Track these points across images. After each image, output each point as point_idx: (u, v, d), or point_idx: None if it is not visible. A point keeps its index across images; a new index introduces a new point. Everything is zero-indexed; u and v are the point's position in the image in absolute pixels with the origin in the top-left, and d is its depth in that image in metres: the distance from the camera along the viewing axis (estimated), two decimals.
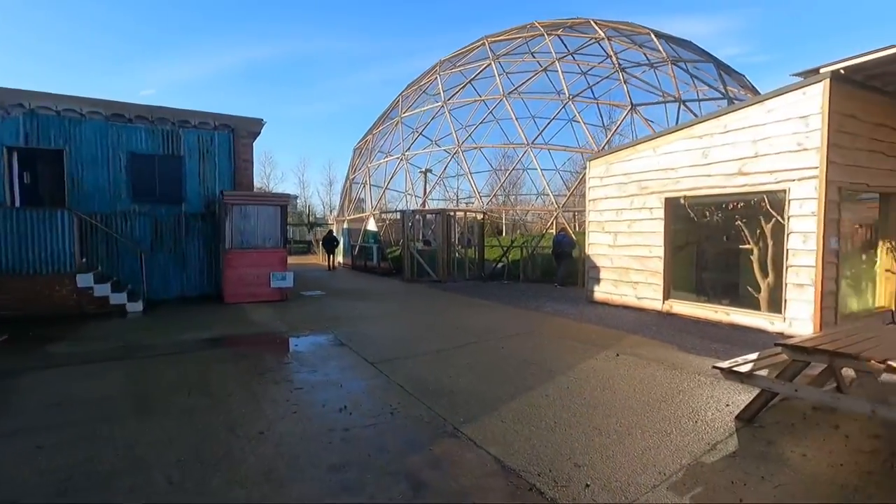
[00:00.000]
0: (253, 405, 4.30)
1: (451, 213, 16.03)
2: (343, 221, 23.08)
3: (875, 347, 3.61)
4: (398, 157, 20.38)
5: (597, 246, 10.25)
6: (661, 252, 8.85)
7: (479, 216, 16.38)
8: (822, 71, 6.51)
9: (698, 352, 6.32)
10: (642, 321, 8.35)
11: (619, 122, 16.09)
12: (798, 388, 3.66)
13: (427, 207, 19.98)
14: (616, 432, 3.76)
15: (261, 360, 5.90)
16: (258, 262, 10.36)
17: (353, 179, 24.12)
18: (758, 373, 3.89)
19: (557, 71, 18.34)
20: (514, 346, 6.49)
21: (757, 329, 7.43)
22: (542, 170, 17.13)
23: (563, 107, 18.01)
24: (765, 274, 8.22)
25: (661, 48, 18.61)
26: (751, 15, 71.08)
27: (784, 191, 7.00)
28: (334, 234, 21.87)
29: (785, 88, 6.94)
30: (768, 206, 7.50)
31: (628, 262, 9.49)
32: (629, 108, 16.09)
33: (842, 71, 6.38)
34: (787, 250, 6.99)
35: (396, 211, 21.58)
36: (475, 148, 22.33)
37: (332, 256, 20.09)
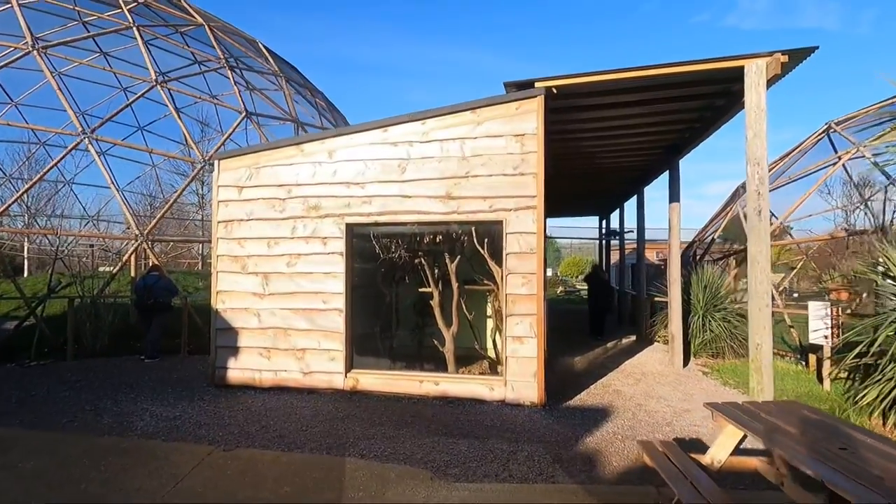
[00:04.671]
0: None
1: None
2: None
3: None
4: None
5: (233, 295, 6.40)
6: (341, 302, 6.06)
7: None
8: (537, 85, 5.59)
9: (463, 467, 3.86)
10: (330, 415, 5.23)
11: (233, 127, 12.41)
12: None
13: None
14: None
15: None
16: None
17: None
18: None
19: (138, 46, 12.89)
20: None
21: (475, 399, 5.74)
22: (117, 186, 11.13)
23: (140, 95, 12.56)
24: (448, 323, 6.83)
25: (271, 61, 16.34)
26: None
27: (500, 222, 5.69)
28: None
29: (497, 98, 5.72)
30: (475, 240, 6.08)
31: (290, 318, 6.19)
32: (244, 114, 12.76)
33: (554, 90, 5.64)
34: (507, 296, 5.66)
35: None
36: None
37: None
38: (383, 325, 7.59)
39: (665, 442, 3.33)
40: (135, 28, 12.53)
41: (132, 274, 10.82)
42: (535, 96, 5.58)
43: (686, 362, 8.59)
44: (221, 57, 13.90)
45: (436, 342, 6.81)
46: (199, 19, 14.84)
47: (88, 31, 13.44)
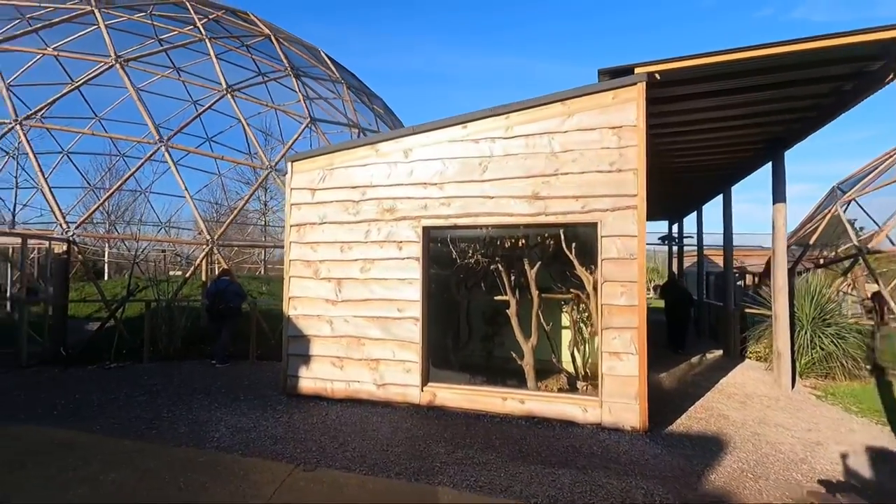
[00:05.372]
0: None
1: None
2: None
3: None
4: None
5: (305, 301, 6.19)
6: (417, 310, 5.68)
7: (60, 247, 9.24)
8: (637, 71, 5.01)
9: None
10: (409, 433, 4.84)
11: (298, 133, 12.52)
12: None
13: None
14: None
15: None
16: None
17: None
18: None
19: (207, 60, 13.41)
20: None
21: (565, 420, 5.17)
22: (187, 189, 11.42)
23: (210, 105, 12.97)
24: (527, 334, 6.30)
25: (332, 68, 16.50)
26: None
27: (595, 224, 5.12)
28: None
29: (590, 87, 5.18)
30: (563, 244, 5.55)
31: (363, 327, 5.89)
32: (308, 120, 12.85)
33: (657, 76, 5.03)
34: (602, 306, 5.07)
35: None
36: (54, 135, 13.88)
37: None
38: (455, 335, 7.18)
39: (848, 495, 2.66)
40: (207, 41, 12.94)
41: (203, 278, 11.02)
42: (635, 83, 5.00)
43: (792, 383, 7.60)
44: (287, 66, 14.11)
45: (513, 354, 6.30)
46: (266, 30, 15.21)
47: (162, 46, 14.01)
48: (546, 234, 5.76)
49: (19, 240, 8.58)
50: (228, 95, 12.09)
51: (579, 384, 6.73)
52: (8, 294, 12.13)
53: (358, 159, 6.03)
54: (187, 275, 10.37)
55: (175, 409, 5.65)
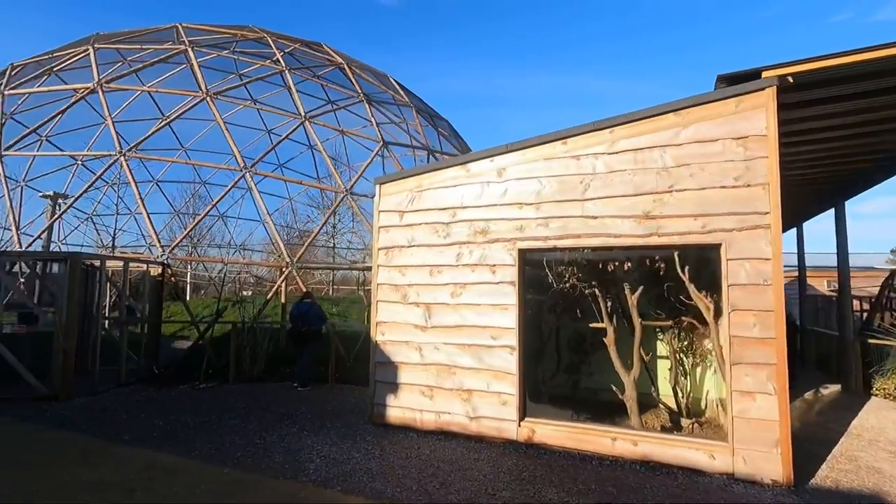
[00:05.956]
0: None
1: (97, 264, 8.88)
2: None
3: None
4: None
5: (393, 326, 6.00)
6: (513, 338, 5.32)
7: (156, 270, 9.75)
8: (765, 75, 4.49)
9: None
10: (513, 475, 4.44)
11: (373, 155, 12.72)
12: None
13: (36, 249, 11.48)
14: None
15: None
16: None
17: None
18: None
19: (283, 91, 14.08)
20: None
21: (688, 468, 4.58)
22: (268, 213, 11.85)
23: (288, 134, 13.49)
24: (628, 367, 5.76)
25: (401, 92, 16.79)
26: None
27: (718, 245, 4.59)
28: None
29: (709, 96, 4.71)
30: (678, 267, 5.03)
31: (454, 355, 5.60)
32: (381, 144, 13.03)
33: (790, 79, 4.48)
34: (731, 338, 4.49)
35: None
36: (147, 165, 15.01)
37: None
38: (546, 365, 6.74)
39: None
40: (287, 72, 13.53)
41: (282, 300, 11.25)
42: (764, 88, 4.48)
43: None
44: (360, 93, 14.47)
45: (614, 388, 5.76)
46: (339, 59, 15.76)
47: (241, 80, 14.79)
48: (656, 257, 5.26)
49: (121, 263, 9.14)
50: (306, 123, 12.52)
51: (683, 422, 6.08)
52: (106, 313, 12.99)
53: (447, 180, 5.84)
54: (269, 296, 10.61)
55: (266, 434, 5.58)
